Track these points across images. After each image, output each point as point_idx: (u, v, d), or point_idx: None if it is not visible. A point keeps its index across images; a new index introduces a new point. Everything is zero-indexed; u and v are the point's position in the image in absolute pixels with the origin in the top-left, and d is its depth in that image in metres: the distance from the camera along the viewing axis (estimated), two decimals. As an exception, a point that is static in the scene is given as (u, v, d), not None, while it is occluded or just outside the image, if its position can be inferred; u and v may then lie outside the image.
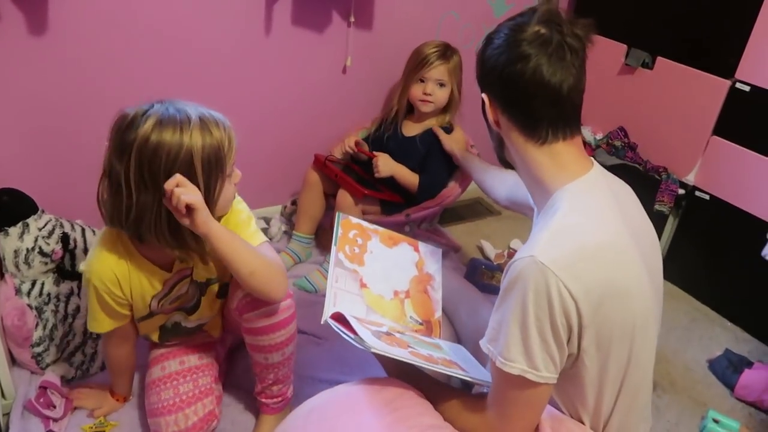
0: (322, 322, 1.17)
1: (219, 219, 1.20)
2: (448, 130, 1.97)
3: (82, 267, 1.24)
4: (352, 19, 2.00)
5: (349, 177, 1.89)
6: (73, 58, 1.65)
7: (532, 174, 1.06)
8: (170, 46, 1.77)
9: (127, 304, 1.27)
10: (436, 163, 1.92)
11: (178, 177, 1.06)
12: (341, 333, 1.13)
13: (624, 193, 1.13)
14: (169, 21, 1.73)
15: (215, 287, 1.34)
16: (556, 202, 1.01)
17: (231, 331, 1.50)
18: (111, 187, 1.13)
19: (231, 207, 1.25)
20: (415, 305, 1.42)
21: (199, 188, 1.09)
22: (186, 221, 1.08)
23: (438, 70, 1.90)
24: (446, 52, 1.92)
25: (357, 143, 1.97)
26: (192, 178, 1.08)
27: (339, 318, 1.17)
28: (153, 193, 1.09)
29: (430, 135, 1.94)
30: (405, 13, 2.10)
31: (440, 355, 1.19)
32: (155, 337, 1.39)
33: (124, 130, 1.10)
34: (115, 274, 1.21)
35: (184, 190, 1.06)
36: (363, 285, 1.35)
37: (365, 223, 1.50)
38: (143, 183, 1.08)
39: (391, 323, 1.32)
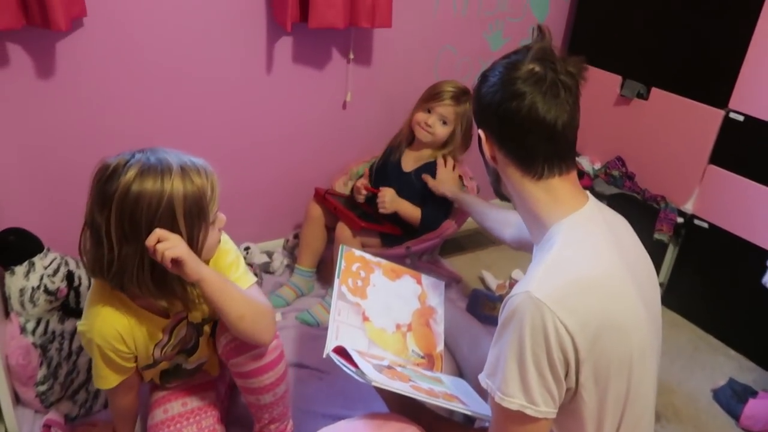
0: (324, 356, 1.18)
1: (206, 263, 1.19)
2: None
3: (79, 327, 1.20)
4: (352, 56, 2.04)
5: (347, 210, 1.91)
6: (77, 100, 1.69)
7: (528, 208, 1.08)
8: (174, 85, 1.81)
9: (132, 357, 1.25)
10: (436, 197, 1.94)
11: (158, 232, 1.04)
12: (342, 366, 1.13)
13: (619, 225, 1.14)
14: (172, 61, 1.78)
15: (209, 326, 1.34)
16: (552, 237, 1.02)
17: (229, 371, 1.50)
18: (92, 238, 1.11)
19: (218, 249, 1.24)
20: (417, 339, 1.42)
21: (182, 237, 1.08)
22: (176, 272, 1.08)
23: (445, 108, 1.90)
24: (461, 96, 1.91)
25: (365, 187, 1.98)
26: (174, 228, 1.07)
27: (341, 351, 1.18)
28: (135, 245, 1.07)
29: (428, 167, 1.96)
30: (403, 48, 2.14)
31: (441, 389, 1.20)
32: (157, 380, 1.39)
33: (105, 181, 1.08)
34: (117, 331, 1.18)
35: (167, 245, 1.04)
36: (365, 318, 1.36)
37: (368, 256, 1.51)
38: (124, 235, 1.06)
39: (393, 357, 1.33)
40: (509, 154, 1.06)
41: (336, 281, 1.37)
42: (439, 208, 1.96)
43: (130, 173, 1.06)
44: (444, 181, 1.91)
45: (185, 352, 1.34)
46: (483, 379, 1.01)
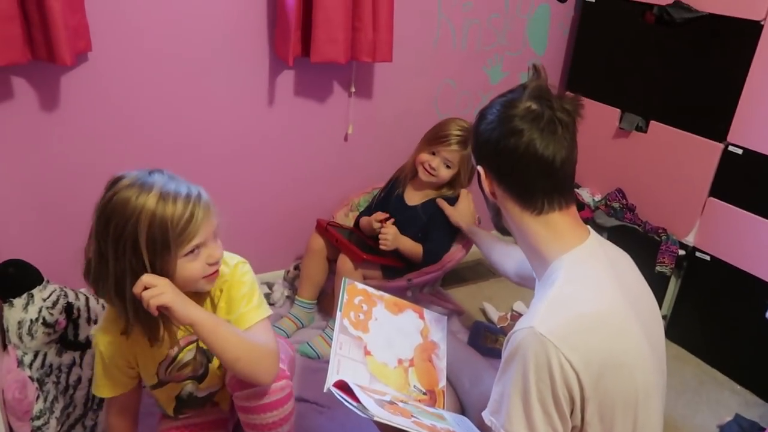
0: (324, 390, 1.16)
1: (203, 297, 1.23)
2: (453, 200, 1.97)
3: (92, 331, 1.25)
4: (353, 89, 2.06)
5: (349, 242, 1.91)
6: (80, 134, 1.71)
7: (529, 243, 1.08)
8: (176, 119, 1.83)
9: (133, 371, 1.28)
10: (438, 232, 1.93)
11: (144, 279, 1.04)
12: (343, 401, 1.11)
13: (621, 260, 1.14)
14: (174, 95, 1.80)
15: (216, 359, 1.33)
16: (554, 272, 1.02)
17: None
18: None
19: (234, 278, 1.25)
20: (419, 374, 1.41)
21: (144, 262, 1.06)
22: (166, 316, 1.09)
23: (451, 153, 1.89)
24: (468, 139, 1.88)
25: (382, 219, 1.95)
26: (136, 249, 1.05)
27: (342, 386, 1.16)
28: (116, 259, 1.07)
29: (432, 204, 1.96)
30: (404, 82, 2.17)
31: (443, 426, 1.18)
32: (170, 410, 1.38)
33: (106, 187, 1.12)
34: (120, 342, 1.22)
35: (153, 292, 1.04)
36: (367, 352, 1.34)
37: (371, 289, 1.51)
38: (107, 243, 1.07)
39: (395, 392, 1.31)
40: (508, 190, 1.07)
41: (338, 314, 1.36)
42: (441, 243, 1.95)
43: (122, 183, 1.09)
44: (463, 213, 1.93)
45: (196, 379, 1.34)
46: (486, 416, 1.00)
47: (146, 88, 1.75)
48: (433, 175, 1.92)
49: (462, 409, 1.51)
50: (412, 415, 1.16)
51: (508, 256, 1.61)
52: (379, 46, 1.88)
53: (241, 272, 1.27)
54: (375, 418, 1.06)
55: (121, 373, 1.26)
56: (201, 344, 1.29)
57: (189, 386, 1.35)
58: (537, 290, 1.09)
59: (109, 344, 1.23)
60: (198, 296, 1.23)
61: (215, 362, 1.34)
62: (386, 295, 1.52)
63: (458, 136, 1.89)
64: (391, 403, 1.18)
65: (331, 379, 1.19)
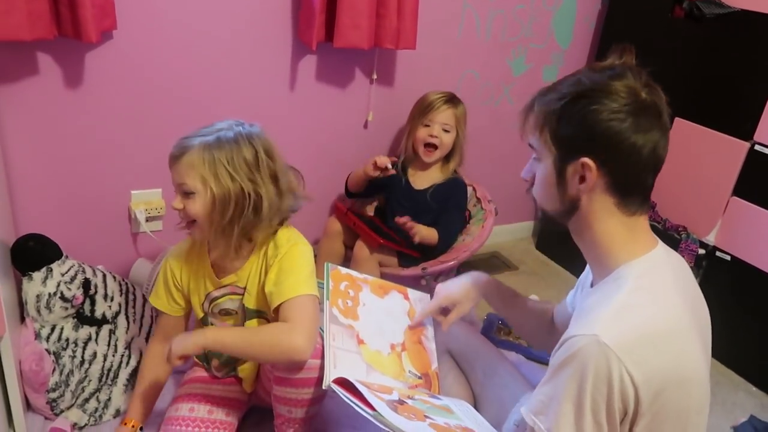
0: (324, 387, 1.15)
1: (258, 258, 1.33)
2: (455, 183, 2.01)
3: (167, 254, 1.44)
4: (375, 76, 2.06)
5: (367, 227, 1.91)
6: (103, 111, 1.72)
7: (601, 245, 1.01)
8: (198, 99, 1.83)
9: (183, 295, 1.41)
10: (449, 216, 1.95)
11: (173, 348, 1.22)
12: (345, 399, 1.10)
13: (683, 269, 1.08)
14: (197, 76, 1.80)
15: (255, 322, 1.37)
16: (621, 277, 0.96)
17: (258, 394, 1.50)
18: None
19: (289, 253, 1.30)
20: (412, 358, 1.41)
21: None
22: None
23: (445, 114, 1.93)
24: (453, 98, 1.97)
25: (385, 167, 1.95)
26: None
27: (343, 383, 1.14)
28: None
29: (440, 190, 1.97)
30: (426, 71, 2.15)
31: (456, 422, 1.17)
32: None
33: None
34: (183, 256, 1.39)
35: (171, 356, 1.21)
36: (360, 341, 1.33)
37: (355, 273, 1.49)
38: None
39: (394, 382, 1.31)
40: (613, 187, 0.97)
41: (326, 303, 1.33)
42: (453, 226, 1.97)
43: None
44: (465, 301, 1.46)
45: None
46: (528, 414, 0.96)
47: (169, 67, 1.75)
48: (436, 146, 1.93)
49: (475, 399, 1.51)
50: (425, 416, 1.15)
51: (537, 325, 1.42)
52: (403, 33, 1.87)
53: (299, 251, 1.30)
54: (390, 429, 1.03)
55: (174, 288, 1.40)
56: (244, 302, 1.36)
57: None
58: (593, 292, 1.02)
59: (174, 267, 1.39)
60: (251, 262, 1.33)
61: (254, 324, 1.37)
62: (370, 278, 1.51)
63: (442, 97, 1.94)
64: (401, 402, 1.17)
65: (330, 374, 1.17)
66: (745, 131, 1.87)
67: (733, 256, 1.96)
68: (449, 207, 1.97)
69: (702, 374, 0.96)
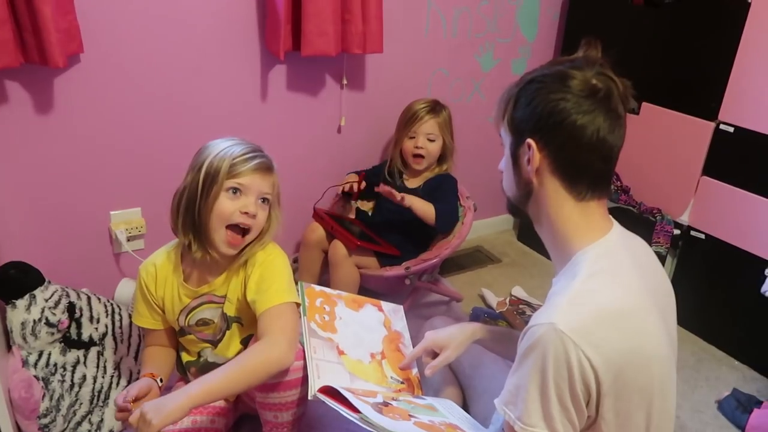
0: (310, 397, 1.17)
1: (236, 273, 1.35)
2: (446, 178, 2.04)
3: (140, 266, 1.42)
4: (345, 82, 2.07)
5: (343, 229, 1.94)
6: (75, 134, 1.72)
7: (558, 231, 1.03)
8: (170, 116, 1.84)
9: (159, 309, 1.41)
10: (446, 195, 1.99)
11: (143, 410, 1.07)
12: (333, 406, 1.11)
13: (642, 251, 1.11)
14: (167, 93, 1.81)
15: (239, 329, 1.40)
16: (577, 264, 0.99)
17: (243, 401, 1.51)
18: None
19: (267, 261, 1.35)
20: (392, 365, 1.44)
21: (197, 183, 1.27)
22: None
23: (428, 125, 1.98)
24: (435, 107, 2.00)
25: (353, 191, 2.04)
26: (200, 171, 1.28)
27: (328, 391, 1.16)
28: (187, 176, 1.30)
29: (431, 182, 2.03)
30: (395, 73, 2.17)
31: (440, 419, 1.19)
32: (185, 361, 1.47)
33: None
34: (155, 270, 1.39)
35: (143, 429, 1.06)
36: (341, 352, 1.36)
37: (328, 290, 1.52)
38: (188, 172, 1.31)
39: (376, 387, 1.33)
40: (559, 170, 0.99)
41: (303, 319, 1.36)
42: (452, 203, 2.00)
43: None
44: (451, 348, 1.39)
45: (213, 344, 1.43)
46: (500, 405, 0.98)
47: (139, 87, 1.76)
48: (423, 156, 1.98)
49: (462, 393, 1.53)
50: (410, 415, 1.17)
51: None
52: (369, 37, 1.89)
53: (276, 258, 1.37)
54: (376, 430, 1.05)
55: (149, 304, 1.40)
56: (225, 310, 1.38)
57: (207, 350, 1.44)
58: (556, 282, 1.05)
59: (148, 282, 1.39)
60: (231, 273, 1.36)
61: (235, 332, 1.40)
62: (344, 293, 1.54)
63: (425, 107, 1.98)
64: (386, 404, 1.19)
65: (314, 384, 1.19)
66: (710, 111, 1.92)
67: (707, 234, 2.00)
68: (442, 191, 2.00)
69: (663, 351, 0.99)
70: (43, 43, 1.45)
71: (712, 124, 1.92)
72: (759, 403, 1.74)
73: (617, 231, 1.04)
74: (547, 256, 2.64)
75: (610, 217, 1.06)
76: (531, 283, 2.36)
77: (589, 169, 0.99)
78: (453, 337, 1.37)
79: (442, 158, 2.06)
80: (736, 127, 1.86)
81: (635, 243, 1.10)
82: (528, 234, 2.68)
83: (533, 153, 0.99)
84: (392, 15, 2.01)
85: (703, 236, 2.01)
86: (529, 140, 0.99)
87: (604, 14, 2.23)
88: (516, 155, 1.03)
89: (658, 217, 2.09)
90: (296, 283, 1.40)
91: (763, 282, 1.80)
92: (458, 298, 2.20)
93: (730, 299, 1.98)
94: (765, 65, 1.77)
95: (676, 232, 2.06)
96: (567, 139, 0.97)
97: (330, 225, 1.96)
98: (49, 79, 1.62)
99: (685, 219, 2.06)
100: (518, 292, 2.26)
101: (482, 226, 2.67)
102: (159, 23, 1.72)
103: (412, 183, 2.07)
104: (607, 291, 0.95)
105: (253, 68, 1.91)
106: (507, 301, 2.20)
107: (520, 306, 2.19)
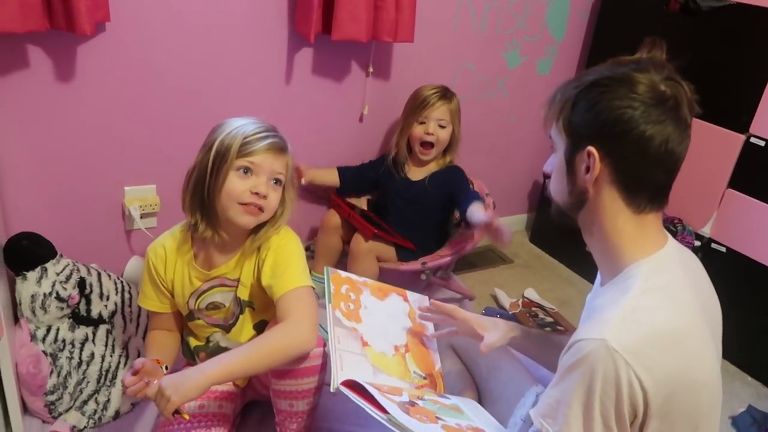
0: (332, 390, 1.14)
1: (249, 257, 1.31)
2: (454, 171, 2.00)
3: (148, 247, 1.38)
4: (371, 69, 2.03)
5: (360, 216, 1.91)
6: (97, 105, 1.68)
7: (609, 242, 0.98)
8: (193, 92, 1.79)
9: (168, 292, 1.37)
10: (466, 188, 1.95)
11: (161, 385, 1.07)
12: (366, 408, 1.07)
13: (695, 266, 1.07)
14: (192, 68, 1.77)
15: (251, 313, 1.38)
16: (630, 277, 0.94)
17: (254, 387, 1.48)
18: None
19: (281, 245, 1.31)
20: (416, 359, 1.41)
21: (207, 162, 1.24)
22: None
23: (440, 111, 1.92)
24: (447, 93, 1.95)
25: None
26: (211, 149, 1.24)
27: (352, 385, 1.13)
28: (199, 155, 1.27)
29: (437, 175, 1.99)
30: (422, 64, 2.13)
31: (467, 423, 1.17)
32: (194, 346, 1.44)
33: None
34: (165, 252, 1.34)
35: (162, 404, 1.06)
36: (365, 343, 1.33)
37: (354, 277, 1.49)
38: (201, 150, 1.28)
39: (401, 382, 1.30)
40: (619, 181, 0.94)
41: (328, 307, 1.33)
42: (476, 194, 1.93)
43: None
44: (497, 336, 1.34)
45: (224, 328, 1.40)
46: (536, 417, 0.95)
47: (164, 61, 1.71)
48: (432, 145, 1.93)
49: (479, 394, 1.51)
50: (436, 417, 1.14)
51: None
52: (401, 26, 1.85)
53: (290, 242, 1.33)
54: (400, 429, 1.02)
55: (158, 286, 1.36)
56: (238, 294, 1.34)
57: (218, 334, 1.40)
58: (603, 292, 1.00)
59: (157, 264, 1.34)
60: (244, 256, 1.32)
61: (247, 316, 1.37)
62: (369, 281, 1.51)
63: (436, 93, 1.92)
64: (412, 404, 1.16)
65: (337, 377, 1.16)
66: (741, 124, 1.89)
67: (728, 248, 1.98)
68: (460, 187, 1.95)
69: (713, 375, 0.95)
70: (71, 9, 1.41)
71: (743, 137, 1.89)
72: (774, 422, 1.72)
73: (673, 245, 1.00)
74: (560, 260, 2.62)
75: (665, 231, 1.02)
76: (542, 286, 2.33)
77: (652, 181, 0.94)
78: (497, 325, 1.34)
79: (447, 148, 2.01)
80: (768, 141, 1.84)
81: (689, 258, 1.06)
82: (541, 236, 2.65)
83: (594, 162, 0.93)
84: (423, 5, 1.96)
85: (724, 249, 1.99)
86: (590, 148, 0.93)
87: (636, 19, 2.19)
88: (572, 161, 0.98)
89: (679, 227, 2.06)
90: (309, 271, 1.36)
91: (783, 299, 1.78)
92: (470, 296, 2.18)
93: (748, 314, 1.95)
94: (802, 80, 1.74)
95: (697, 243, 2.03)
96: (632, 150, 0.92)
97: (347, 212, 1.93)
98: (73, 46, 1.58)
99: (706, 231, 2.04)
100: (531, 294, 2.24)
101: (495, 226, 2.63)
102: (188, -3, 1.68)
103: (415, 174, 2.01)
104: (662, 310, 0.90)
105: (279, 49, 1.87)
106: (520, 303, 2.17)
107: (533, 309, 2.17)
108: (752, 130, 1.87)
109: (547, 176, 1.07)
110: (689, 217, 2.08)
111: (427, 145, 1.95)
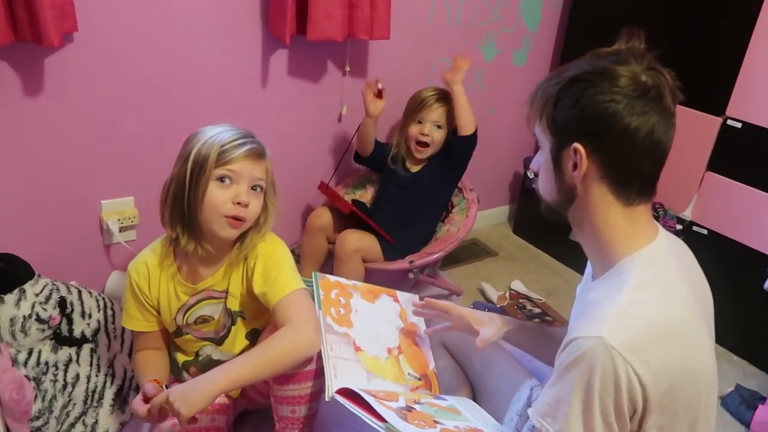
0: (327, 399, 1.13)
1: (237, 266, 1.29)
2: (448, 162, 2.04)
3: (129, 265, 1.33)
4: (348, 69, 2.01)
5: (341, 195, 1.94)
6: (68, 117, 1.63)
7: (601, 237, 0.97)
8: (166, 99, 1.75)
9: (153, 310, 1.33)
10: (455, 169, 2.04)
11: (170, 399, 1.06)
12: (362, 417, 1.06)
13: (686, 256, 1.07)
14: (164, 75, 1.72)
15: (242, 323, 1.35)
16: (624, 271, 0.94)
17: (248, 396, 1.45)
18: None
19: (268, 252, 1.29)
20: (409, 360, 1.40)
21: (185, 173, 1.20)
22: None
23: (436, 112, 1.96)
24: (445, 95, 1.98)
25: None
26: (187, 160, 1.20)
27: (347, 393, 1.12)
28: (175, 166, 1.23)
29: (430, 168, 2.03)
30: (398, 61, 2.12)
31: (465, 424, 1.16)
32: (181, 363, 1.40)
33: None
34: (147, 269, 1.30)
35: (179, 415, 1.05)
36: (357, 348, 1.32)
37: (343, 280, 1.48)
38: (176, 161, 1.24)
39: (396, 386, 1.29)
40: (608, 175, 0.93)
41: (319, 313, 1.32)
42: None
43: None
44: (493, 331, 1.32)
45: (215, 341, 1.37)
46: (535, 417, 0.94)
47: (135, 70, 1.67)
48: (427, 144, 1.98)
49: (473, 390, 1.50)
50: (435, 421, 1.13)
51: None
52: (376, 23, 1.82)
53: (277, 247, 1.31)
54: None
55: (142, 305, 1.32)
56: (228, 305, 1.32)
57: (208, 347, 1.38)
58: (596, 286, 1.00)
59: (140, 282, 1.31)
60: (231, 266, 1.30)
61: (240, 327, 1.35)
62: (359, 284, 1.50)
63: (434, 95, 1.98)
64: (409, 409, 1.15)
65: (332, 384, 1.15)
66: (718, 106, 1.91)
67: (709, 230, 2.00)
68: (452, 153, 2.02)
69: (710, 364, 0.95)
70: (37, 20, 1.36)
71: (719, 120, 1.91)
72: (763, 399, 1.75)
73: (664, 236, 1.00)
74: (545, 250, 2.64)
75: (656, 222, 1.01)
76: (529, 277, 2.34)
77: (640, 173, 0.93)
78: (493, 319, 1.33)
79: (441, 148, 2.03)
80: (744, 123, 1.85)
81: (680, 248, 1.06)
82: (524, 227, 2.66)
83: (581, 158, 0.93)
84: (397, 1, 1.94)
85: (705, 232, 2.01)
86: (576, 145, 0.93)
87: (608, 5, 2.19)
88: (558, 159, 0.97)
89: (660, 212, 2.08)
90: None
91: (765, 278, 1.81)
92: (458, 291, 2.17)
93: (731, 295, 1.96)
94: (776, 61, 1.76)
95: (678, 227, 2.06)
96: (619, 144, 0.91)
97: (332, 193, 1.97)
98: (40, 59, 1.53)
99: (687, 214, 2.06)
100: (517, 286, 2.24)
101: (478, 218, 2.60)
102: (157, 2, 1.63)
103: (414, 168, 2.06)
104: (657, 304, 0.90)
105: (254, 53, 1.83)
106: (507, 295, 2.18)
107: (521, 300, 2.17)
108: (728, 112, 1.89)
109: (534, 174, 1.06)
110: (670, 202, 2.10)
111: (423, 144, 1.99)
